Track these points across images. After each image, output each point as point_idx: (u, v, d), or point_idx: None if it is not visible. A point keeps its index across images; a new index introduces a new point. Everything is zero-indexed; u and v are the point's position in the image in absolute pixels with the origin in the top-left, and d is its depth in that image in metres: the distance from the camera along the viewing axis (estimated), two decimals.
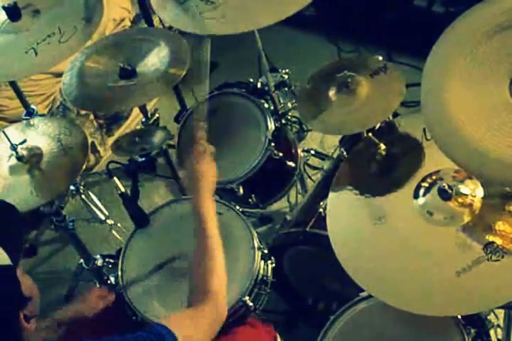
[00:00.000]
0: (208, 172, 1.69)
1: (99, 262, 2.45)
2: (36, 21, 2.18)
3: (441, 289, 1.59)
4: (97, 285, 2.53)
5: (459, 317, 1.72)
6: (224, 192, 2.35)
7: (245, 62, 2.87)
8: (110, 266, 2.43)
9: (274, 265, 2.04)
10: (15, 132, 2.18)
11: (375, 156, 1.90)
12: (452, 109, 1.47)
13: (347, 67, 2.08)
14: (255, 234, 2.01)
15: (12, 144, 2.06)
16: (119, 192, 2.06)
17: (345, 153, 2.10)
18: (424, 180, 1.75)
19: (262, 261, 1.98)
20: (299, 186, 2.61)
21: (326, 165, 2.49)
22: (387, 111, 1.96)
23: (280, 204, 2.67)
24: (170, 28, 2.79)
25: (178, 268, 1.99)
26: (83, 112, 3.11)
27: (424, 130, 1.82)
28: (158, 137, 2.25)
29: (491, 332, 1.88)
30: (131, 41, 2.31)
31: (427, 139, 1.82)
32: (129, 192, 2.08)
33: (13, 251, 1.28)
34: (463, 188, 1.68)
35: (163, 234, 2.09)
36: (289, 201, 2.67)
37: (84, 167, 2.09)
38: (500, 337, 1.94)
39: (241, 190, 2.29)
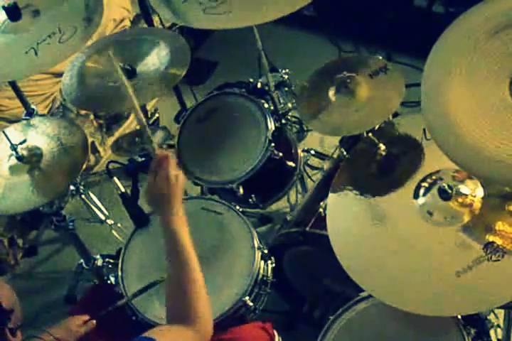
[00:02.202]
0: (178, 185, 1.55)
1: (99, 262, 2.45)
2: (36, 21, 2.18)
3: (441, 289, 1.59)
4: (96, 283, 2.53)
5: (459, 317, 1.72)
6: (224, 192, 2.35)
7: (245, 62, 2.87)
8: (110, 266, 2.43)
9: (274, 265, 2.05)
10: (15, 132, 2.18)
11: (375, 156, 1.90)
12: (452, 109, 1.47)
13: (347, 67, 2.08)
14: (255, 234, 2.01)
15: (12, 144, 2.06)
16: (119, 192, 2.07)
17: (345, 153, 2.10)
18: (424, 180, 1.74)
19: (262, 261, 1.99)
20: (299, 186, 2.61)
21: (326, 165, 2.49)
22: (386, 112, 1.96)
23: (280, 204, 2.67)
24: (170, 28, 2.79)
25: None
26: (83, 112, 3.10)
27: (424, 130, 1.82)
28: (158, 137, 2.25)
29: (491, 332, 1.88)
30: (131, 41, 2.31)
31: (426, 139, 1.82)
32: (129, 192, 2.09)
33: None
34: (463, 188, 1.68)
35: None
36: (289, 201, 2.67)
37: (84, 167, 2.09)
38: (500, 337, 1.94)
39: (241, 190, 2.29)
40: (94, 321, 1.83)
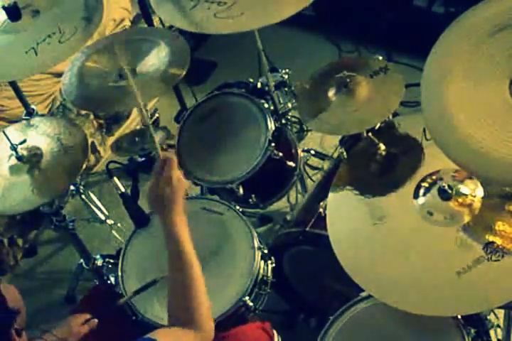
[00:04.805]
0: (179, 187, 1.56)
1: (99, 262, 2.45)
2: (36, 21, 2.18)
3: (441, 289, 1.59)
4: (97, 283, 2.53)
5: (459, 317, 1.72)
6: (224, 192, 2.35)
7: (245, 62, 2.87)
8: (110, 266, 2.43)
9: (274, 265, 2.05)
10: (15, 132, 2.18)
11: (375, 156, 1.90)
12: (452, 109, 1.47)
13: (347, 67, 2.08)
14: (255, 234, 2.01)
15: (12, 144, 2.06)
16: (119, 192, 2.06)
17: (345, 153, 2.10)
18: (424, 180, 1.75)
19: (262, 261, 1.99)
20: (299, 186, 2.61)
21: (326, 165, 2.49)
22: (386, 112, 1.96)
23: (280, 204, 2.66)
24: (170, 28, 2.79)
25: None
26: (83, 112, 3.11)
27: (424, 130, 1.82)
28: (158, 137, 2.26)
29: (491, 332, 1.88)
30: (131, 41, 2.30)
31: (426, 139, 1.82)
32: (129, 192, 2.09)
33: None
34: (463, 188, 1.68)
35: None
36: (289, 201, 2.67)
37: (84, 167, 2.09)
38: (500, 337, 1.94)
39: (241, 190, 2.29)
40: (96, 320, 1.83)
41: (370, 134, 1.97)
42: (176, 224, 1.53)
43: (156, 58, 2.20)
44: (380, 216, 1.75)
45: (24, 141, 2.10)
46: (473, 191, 1.68)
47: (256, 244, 1.98)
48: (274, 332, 1.93)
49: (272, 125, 2.27)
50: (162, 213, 1.55)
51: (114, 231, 2.69)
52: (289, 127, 2.60)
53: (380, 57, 2.12)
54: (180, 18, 2.14)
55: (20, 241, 3.02)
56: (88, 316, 1.84)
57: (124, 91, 2.14)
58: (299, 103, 2.17)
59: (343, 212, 1.83)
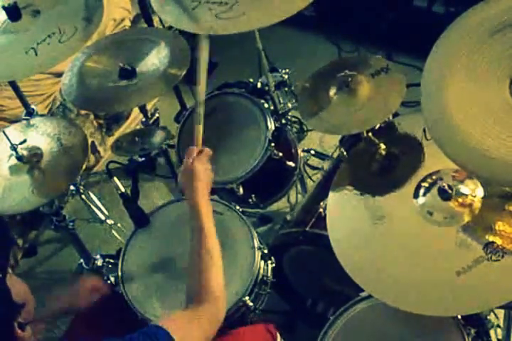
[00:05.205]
0: (203, 173, 1.69)
1: (99, 262, 2.45)
2: (36, 21, 2.18)
3: (441, 289, 1.59)
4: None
5: (459, 317, 1.72)
6: (224, 192, 2.35)
7: (245, 62, 2.87)
8: (110, 266, 2.43)
9: (274, 265, 2.05)
10: (15, 132, 2.18)
11: (375, 156, 1.90)
12: (452, 109, 1.47)
13: (348, 66, 2.08)
14: (255, 234, 2.01)
15: (12, 144, 2.06)
16: (119, 192, 2.07)
17: (345, 153, 2.10)
18: (424, 180, 1.75)
19: (262, 261, 1.99)
20: (299, 186, 2.61)
21: (326, 165, 2.49)
22: (387, 112, 1.96)
23: (280, 204, 2.67)
24: (170, 28, 2.79)
25: (179, 268, 1.99)
26: (83, 112, 3.11)
27: (424, 130, 1.83)
28: (158, 137, 2.26)
29: (491, 332, 1.88)
30: (131, 41, 2.31)
31: (427, 139, 1.82)
32: (129, 192, 2.09)
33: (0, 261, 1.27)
34: (463, 188, 1.68)
35: (163, 234, 2.09)
36: (289, 201, 2.67)
37: (84, 167, 2.09)
38: (500, 337, 1.94)
39: (241, 190, 2.29)
40: (107, 288, 1.85)
41: (370, 134, 1.97)
42: (199, 198, 1.63)
43: (156, 58, 2.21)
44: (380, 216, 1.75)
45: (24, 141, 2.10)
46: (473, 191, 1.68)
47: (256, 244, 1.98)
48: (278, 334, 1.92)
49: (271, 125, 2.27)
50: (188, 186, 1.66)
51: (114, 231, 2.69)
52: (289, 127, 2.60)
53: (381, 57, 2.12)
54: (183, 20, 2.13)
55: (20, 241, 3.02)
56: (98, 282, 1.85)
57: (124, 91, 2.15)
58: (299, 102, 2.17)
59: (343, 212, 1.83)
